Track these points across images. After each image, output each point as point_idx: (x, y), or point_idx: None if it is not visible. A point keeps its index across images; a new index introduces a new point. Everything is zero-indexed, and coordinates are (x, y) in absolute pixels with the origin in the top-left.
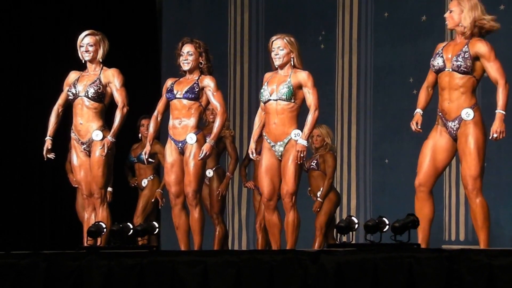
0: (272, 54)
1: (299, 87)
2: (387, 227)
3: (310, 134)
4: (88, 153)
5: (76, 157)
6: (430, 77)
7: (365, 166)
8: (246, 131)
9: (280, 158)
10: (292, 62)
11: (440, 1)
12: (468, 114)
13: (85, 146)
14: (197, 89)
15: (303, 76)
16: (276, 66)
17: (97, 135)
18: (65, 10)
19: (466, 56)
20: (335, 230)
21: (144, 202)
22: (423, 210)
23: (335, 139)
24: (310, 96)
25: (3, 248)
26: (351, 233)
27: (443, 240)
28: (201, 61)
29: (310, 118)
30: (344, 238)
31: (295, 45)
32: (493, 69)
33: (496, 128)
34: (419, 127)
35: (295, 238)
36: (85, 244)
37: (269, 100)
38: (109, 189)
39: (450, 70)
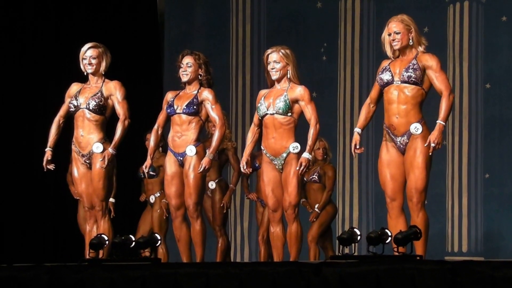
0: (269, 68)
1: (296, 101)
2: (389, 238)
3: (313, 148)
4: (89, 165)
5: (77, 170)
6: (374, 93)
7: (367, 177)
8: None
9: (281, 171)
10: (288, 75)
11: (442, 12)
12: (417, 128)
13: (85, 158)
14: (196, 104)
15: (299, 90)
16: (273, 80)
17: (98, 147)
18: (67, 22)
19: (416, 68)
20: (337, 241)
21: (157, 221)
22: (397, 227)
23: (337, 150)
24: (308, 110)
25: (5, 260)
26: (353, 244)
27: (446, 252)
28: (200, 73)
29: (312, 132)
30: (347, 250)
31: (291, 57)
32: (439, 80)
33: (435, 138)
34: (358, 147)
35: (297, 249)
36: (87, 257)
37: (266, 114)
38: (112, 200)
39: (399, 82)
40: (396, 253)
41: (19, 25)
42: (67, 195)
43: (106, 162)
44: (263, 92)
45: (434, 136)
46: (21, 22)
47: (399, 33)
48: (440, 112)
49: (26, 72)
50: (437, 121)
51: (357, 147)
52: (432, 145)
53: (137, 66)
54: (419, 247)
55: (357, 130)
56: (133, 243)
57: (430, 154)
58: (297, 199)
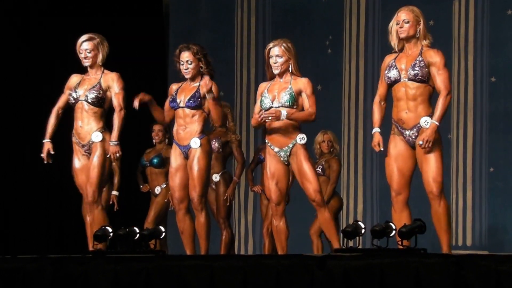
0: (271, 62)
1: (300, 93)
2: (394, 232)
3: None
4: (89, 155)
5: (78, 161)
6: (382, 90)
7: (372, 171)
8: (252, 136)
9: (285, 163)
10: (290, 69)
11: (447, 6)
12: (426, 122)
13: (85, 148)
14: (198, 98)
15: (303, 82)
16: (275, 74)
17: (97, 136)
18: (72, 14)
19: (422, 65)
20: (341, 235)
21: (157, 209)
22: (401, 221)
23: (342, 143)
24: (309, 101)
25: (10, 252)
26: (357, 238)
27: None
28: (201, 65)
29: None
30: (351, 243)
31: (293, 51)
32: (440, 78)
33: (425, 137)
34: (382, 147)
35: (334, 235)
36: (91, 248)
37: (271, 107)
38: (115, 193)
39: (406, 80)
40: (401, 247)
41: (24, 17)
42: (72, 187)
43: (115, 158)
44: (264, 85)
45: (426, 134)
46: (25, 13)
47: (408, 22)
48: (435, 111)
49: (29, 63)
50: (430, 121)
51: (381, 147)
52: (420, 142)
53: (142, 59)
54: (443, 237)
55: (376, 130)
56: (137, 235)
57: (420, 146)
58: (319, 183)
